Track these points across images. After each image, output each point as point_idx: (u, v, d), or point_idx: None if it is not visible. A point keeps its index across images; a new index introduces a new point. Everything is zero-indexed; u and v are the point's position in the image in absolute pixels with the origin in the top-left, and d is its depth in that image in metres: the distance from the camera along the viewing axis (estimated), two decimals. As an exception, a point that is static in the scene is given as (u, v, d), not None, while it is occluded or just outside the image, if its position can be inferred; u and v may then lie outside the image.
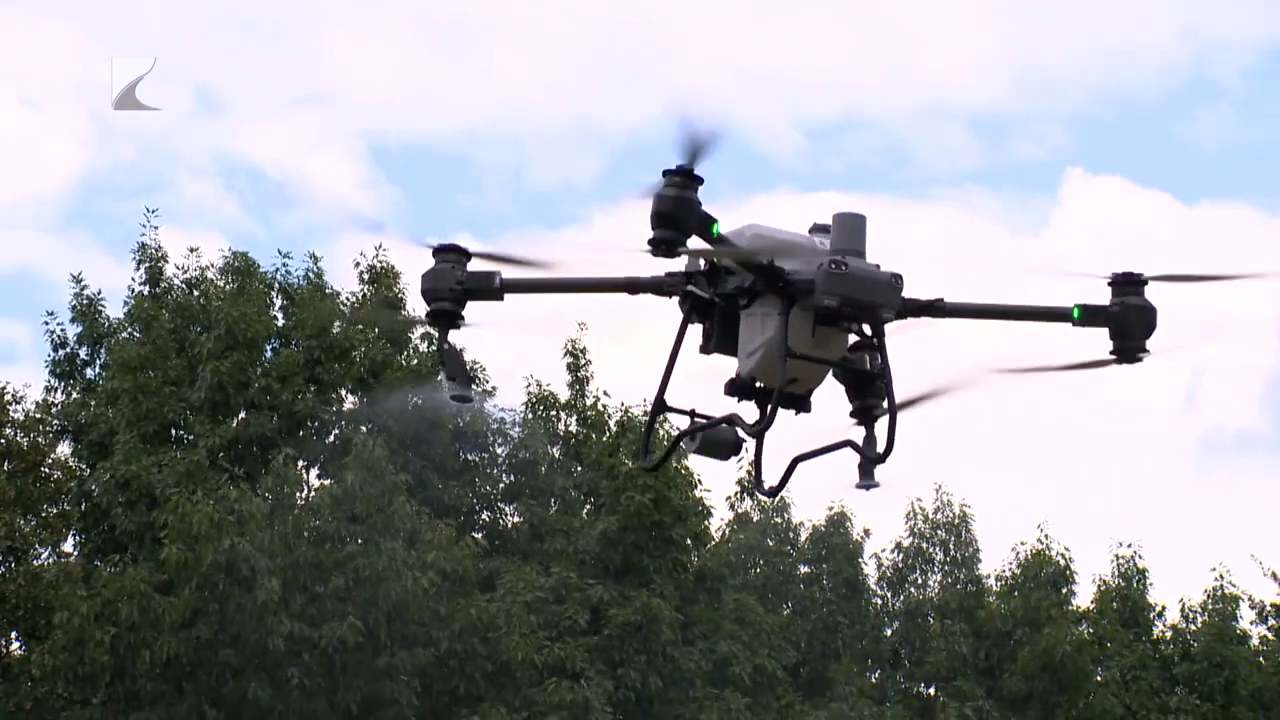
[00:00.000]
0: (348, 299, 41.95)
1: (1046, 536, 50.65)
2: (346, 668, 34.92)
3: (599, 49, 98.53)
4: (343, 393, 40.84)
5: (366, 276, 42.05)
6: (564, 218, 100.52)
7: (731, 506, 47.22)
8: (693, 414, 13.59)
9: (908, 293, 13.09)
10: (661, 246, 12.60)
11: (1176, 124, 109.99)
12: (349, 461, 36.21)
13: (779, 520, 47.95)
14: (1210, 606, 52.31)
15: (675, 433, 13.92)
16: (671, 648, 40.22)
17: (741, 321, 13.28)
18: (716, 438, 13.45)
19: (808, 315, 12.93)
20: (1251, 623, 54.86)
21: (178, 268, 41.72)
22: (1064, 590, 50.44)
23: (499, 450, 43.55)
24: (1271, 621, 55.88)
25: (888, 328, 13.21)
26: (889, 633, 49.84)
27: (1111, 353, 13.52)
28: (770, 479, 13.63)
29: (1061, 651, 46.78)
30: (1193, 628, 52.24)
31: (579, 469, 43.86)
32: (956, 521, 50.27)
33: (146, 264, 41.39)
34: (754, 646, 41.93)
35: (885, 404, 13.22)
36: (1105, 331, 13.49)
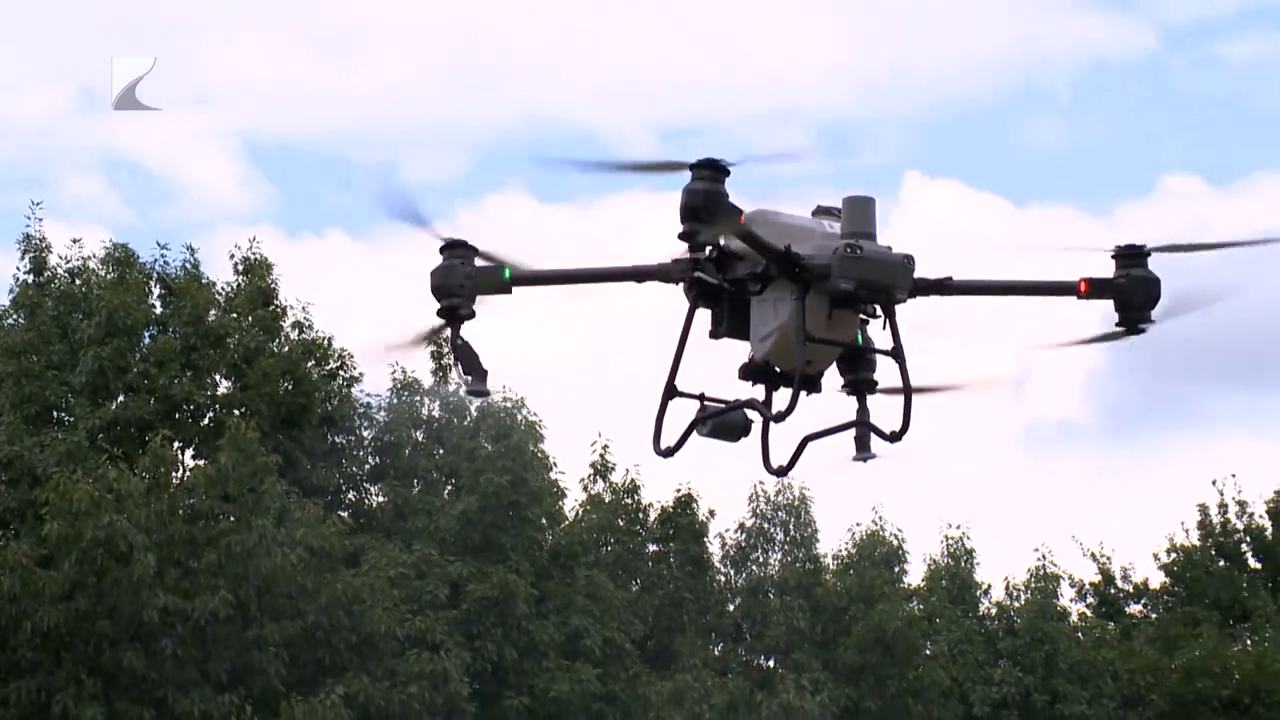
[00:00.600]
0: (223, 289, 42.27)
1: (881, 518, 51.01)
2: (218, 639, 35.32)
3: (463, 54, 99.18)
4: (217, 378, 41.05)
5: (241, 268, 42.38)
6: (434, 214, 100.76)
7: (585, 488, 47.20)
8: (702, 398, 13.36)
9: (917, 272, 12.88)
10: (692, 238, 12.46)
11: (1009, 130, 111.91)
12: (223, 443, 36.59)
13: (629, 501, 47.56)
14: (1033, 585, 52.86)
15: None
16: (526, 621, 40.56)
17: (753, 306, 12.99)
18: (728, 421, 13.22)
19: (823, 299, 12.68)
20: (1071, 600, 56.21)
21: (61, 258, 41.94)
22: (896, 569, 50.66)
23: (365, 434, 43.83)
24: (1090, 599, 57.50)
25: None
26: (731, 608, 49.52)
27: (1117, 324, 13.28)
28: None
29: (893, 626, 47.11)
30: (1016, 605, 52.61)
31: (440, 452, 43.88)
32: (796, 503, 49.88)
33: (31, 254, 41.58)
34: (604, 620, 42.20)
35: (900, 383, 12.98)
36: (1110, 304, 13.27)
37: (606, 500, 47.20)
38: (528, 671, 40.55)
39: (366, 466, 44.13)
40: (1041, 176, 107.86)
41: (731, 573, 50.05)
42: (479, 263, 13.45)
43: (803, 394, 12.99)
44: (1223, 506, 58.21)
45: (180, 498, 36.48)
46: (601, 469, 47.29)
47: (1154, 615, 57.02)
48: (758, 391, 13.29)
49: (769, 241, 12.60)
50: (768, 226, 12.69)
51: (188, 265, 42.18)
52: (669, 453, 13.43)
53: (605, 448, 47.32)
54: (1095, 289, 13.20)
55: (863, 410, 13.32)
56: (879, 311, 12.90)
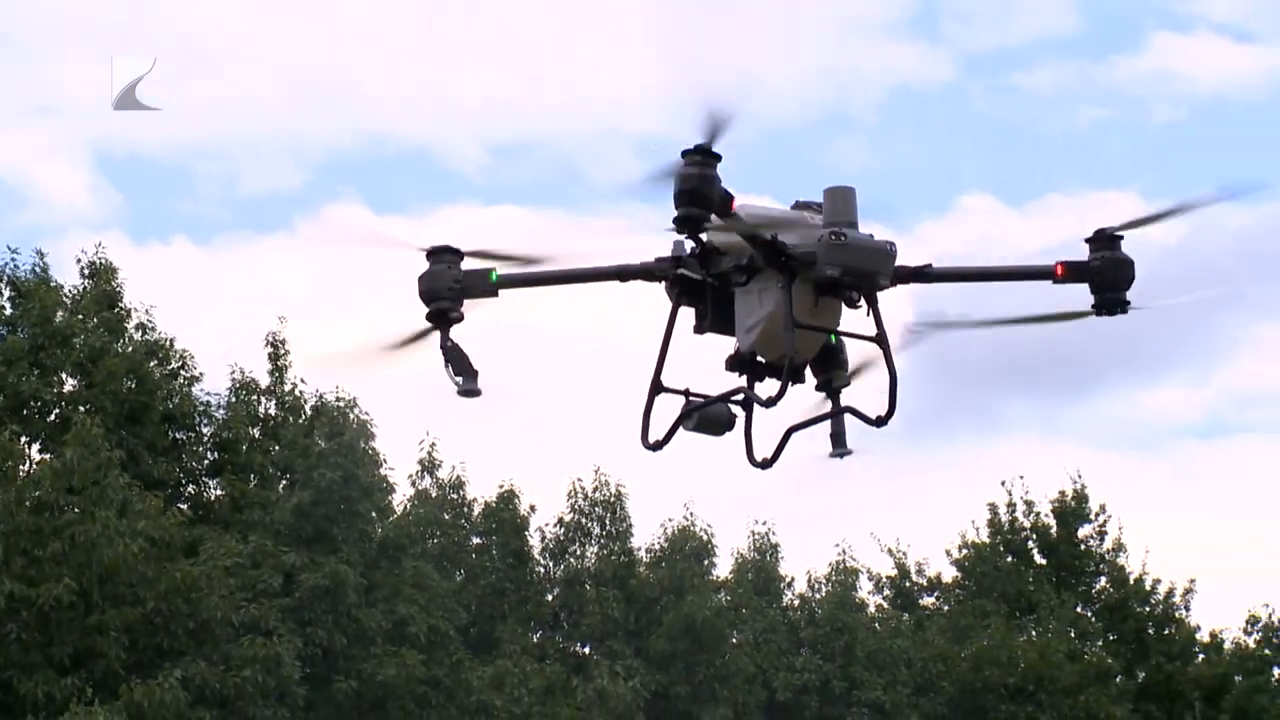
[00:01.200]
0: (70, 292, 42.41)
1: (692, 514, 51.18)
2: (61, 624, 35.29)
3: (303, 71, 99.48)
4: (63, 376, 41.12)
5: (87, 272, 42.54)
6: (273, 223, 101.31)
7: (413, 484, 47.72)
8: (688, 393, 13.01)
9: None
10: (687, 223, 11.91)
11: (817, 150, 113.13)
12: (68, 438, 36.71)
13: (454, 496, 48.00)
14: (833, 578, 53.60)
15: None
16: (356, 609, 40.53)
17: (737, 299, 12.61)
18: (713, 415, 12.84)
19: (808, 286, 12.34)
20: (869, 592, 57.45)
21: (-87, 262, 41.51)
22: (705, 562, 50.75)
23: (205, 430, 43.80)
24: (886, 591, 58.48)
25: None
26: (550, 598, 50.09)
27: (1094, 306, 12.89)
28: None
29: (702, 616, 47.70)
30: (818, 596, 53.28)
31: (276, 448, 44.03)
32: (612, 499, 50.44)
33: (-116, 259, 41.21)
34: (429, 609, 42.25)
35: (885, 367, 12.61)
36: (1086, 287, 12.85)
37: (433, 495, 47.66)
38: (356, 657, 40.46)
39: (205, 461, 44.05)
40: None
41: (550, 564, 50.40)
42: (465, 266, 13.16)
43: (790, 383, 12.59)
44: (1011, 506, 59.48)
45: (27, 489, 36.45)
46: (429, 466, 47.98)
47: (946, 607, 57.82)
48: (744, 385, 12.96)
49: (757, 230, 12.31)
50: (753, 220, 12.38)
51: (37, 269, 42.38)
52: (657, 446, 12.95)
53: (433, 445, 48.21)
54: (1072, 272, 12.88)
55: (836, 407, 12.97)
56: (861, 300, 12.55)
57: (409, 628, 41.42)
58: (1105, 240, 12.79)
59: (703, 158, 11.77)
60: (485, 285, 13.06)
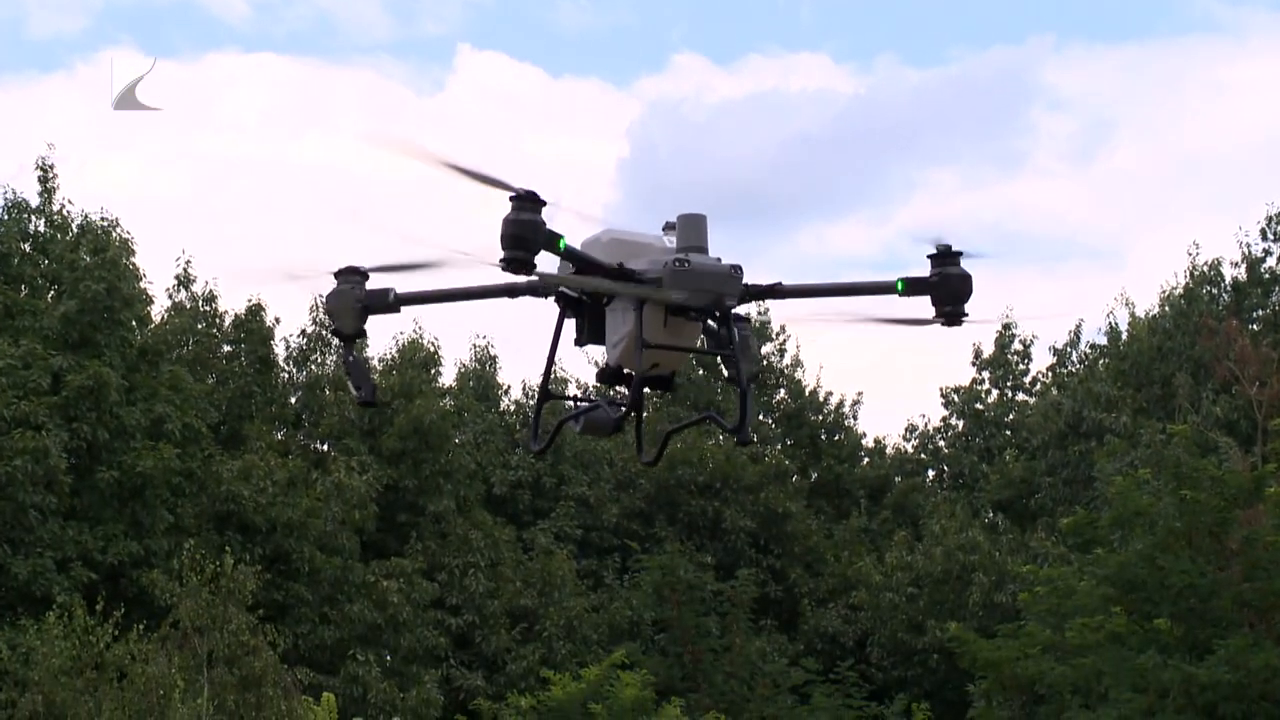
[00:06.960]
0: None
1: (420, 328, 52.46)
2: None
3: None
4: None
5: None
6: (54, 64, 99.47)
7: (170, 296, 48.06)
8: (575, 399, 13.11)
9: (748, 279, 12.36)
10: (513, 265, 11.63)
11: (545, 11, 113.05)
12: None
13: (208, 308, 48.11)
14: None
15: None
16: (117, 407, 40.63)
17: (606, 316, 12.50)
18: (598, 419, 12.72)
19: (659, 308, 12.19)
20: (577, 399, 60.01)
21: None
22: (433, 370, 51.81)
23: None
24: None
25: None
26: (293, 400, 50.16)
27: (936, 318, 12.65)
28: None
29: (429, 419, 48.36)
30: (531, 402, 54.06)
31: (45, 262, 43.94)
32: None
33: None
34: (184, 408, 42.31)
35: (738, 384, 12.41)
36: (928, 299, 12.56)
37: (188, 307, 47.86)
38: (118, 449, 40.70)
39: (-21, 274, 43.45)
40: (573, 51, 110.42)
41: (293, 370, 50.74)
42: (369, 286, 13.04)
43: (656, 391, 12.45)
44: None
45: None
46: (184, 280, 48.45)
47: (645, 413, 59.98)
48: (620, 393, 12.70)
49: (599, 260, 12.13)
50: (613, 244, 12.16)
51: None
52: (542, 453, 13.27)
53: (188, 263, 48.82)
54: (913, 287, 12.63)
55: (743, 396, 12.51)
56: (717, 315, 12.31)
57: (165, 425, 41.62)
58: (944, 257, 12.55)
59: (528, 204, 11.49)
60: (387, 303, 12.98)
